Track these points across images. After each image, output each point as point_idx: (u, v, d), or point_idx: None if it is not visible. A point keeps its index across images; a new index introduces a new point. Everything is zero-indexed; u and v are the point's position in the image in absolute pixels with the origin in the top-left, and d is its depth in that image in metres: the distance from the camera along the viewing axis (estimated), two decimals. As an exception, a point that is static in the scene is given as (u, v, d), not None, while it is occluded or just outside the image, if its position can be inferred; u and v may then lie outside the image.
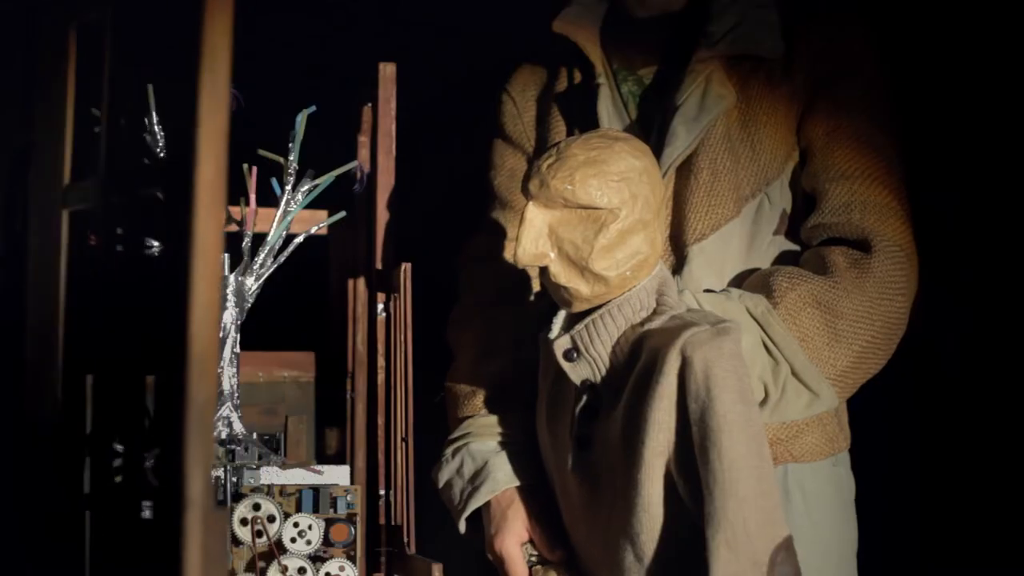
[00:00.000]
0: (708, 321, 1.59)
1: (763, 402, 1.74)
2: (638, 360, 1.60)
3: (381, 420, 2.02)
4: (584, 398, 1.67)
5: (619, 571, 1.61)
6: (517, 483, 1.81)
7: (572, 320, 1.67)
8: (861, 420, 1.96)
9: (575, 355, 1.66)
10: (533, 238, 1.61)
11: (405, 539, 1.90)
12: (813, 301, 1.76)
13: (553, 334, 1.68)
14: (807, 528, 1.84)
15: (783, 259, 1.88)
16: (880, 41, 1.88)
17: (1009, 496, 2.30)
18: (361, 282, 2.14)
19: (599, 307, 1.64)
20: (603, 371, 1.65)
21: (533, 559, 1.81)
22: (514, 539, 1.80)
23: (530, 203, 1.61)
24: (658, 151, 1.84)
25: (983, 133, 2.35)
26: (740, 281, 1.85)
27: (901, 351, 1.84)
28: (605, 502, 1.64)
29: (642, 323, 1.63)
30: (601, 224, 1.60)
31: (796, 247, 1.88)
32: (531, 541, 1.81)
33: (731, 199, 1.83)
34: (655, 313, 1.63)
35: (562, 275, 1.62)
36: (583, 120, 1.93)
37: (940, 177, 2.24)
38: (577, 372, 1.66)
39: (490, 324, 1.95)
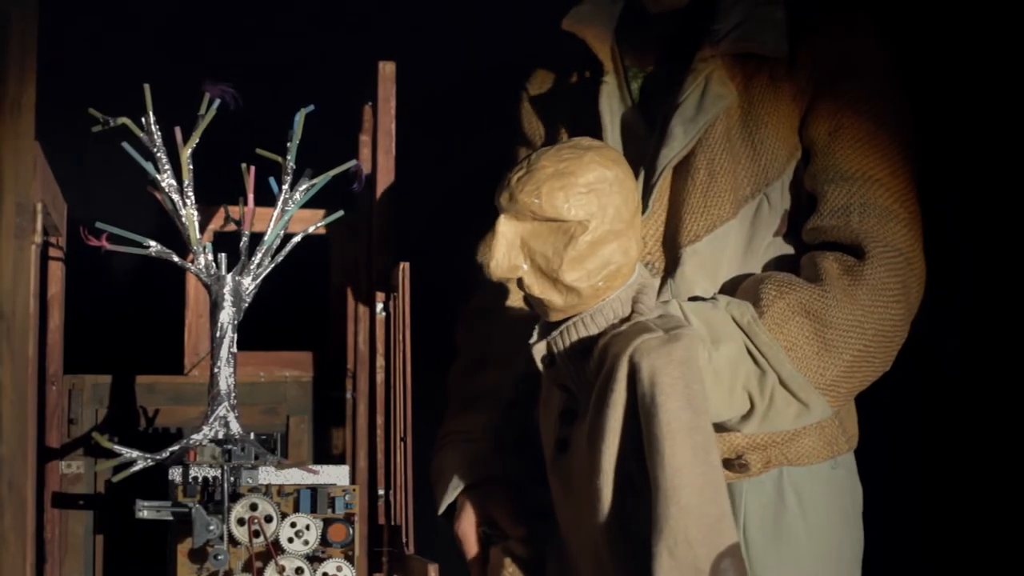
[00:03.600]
0: (664, 327, 1.58)
1: (750, 412, 1.73)
2: (603, 366, 1.60)
3: (381, 420, 2.02)
4: (562, 402, 1.67)
5: (587, 574, 1.61)
6: (469, 481, 1.87)
7: (549, 326, 1.67)
8: (859, 422, 1.95)
9: (551, 360, 1.66)
10: (505, 251, 1.61)
11: (404, 539, 1.90)
12: (801, 310, 1.73)
13: (533, 339, 1.68)
14: (802, 533, 1.83)
15: (781, 262, 1.85)
16: (890, 40, 1.85)
17: (1010, 498, 2.29)
18: (361, 282, 2.14)
19: (575, 314, 1.64)
20: (577, 376, 1.65)
21: (493, 538, 1.84)
22: (468, 521, 1.86)
23: (501, 216, 1.62)
24: (658, 151, 1.83)
25: (983, 133, 2.34)
26: (735, 285, 1.82)
27: (900, 352, 1.82)
28: (575, 505, 1.64)
29: (612, 328, 1.62)
30: (570, 236, 1.59)
31: (798, 249, 1.86)
32: (492, 523, 1.85)
33: (728, 200, 1.81)
34: (626, 320, 1.62)
35: (535, 286, 1.62)
36: (589, 119, 1.92)
37: (939, 178, 2.23)
38: (554, 377, 1.67)
39: (489, 329, 1.95)
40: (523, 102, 2.05)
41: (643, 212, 1.84)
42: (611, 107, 1.91)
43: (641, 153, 1.86)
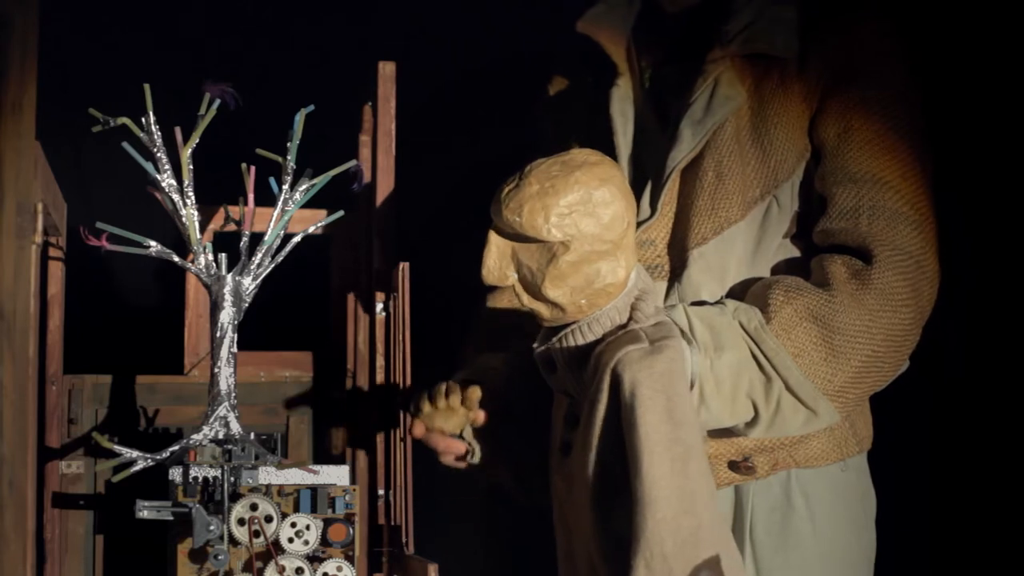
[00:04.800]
0: (653, 337, 1.58)
1: (755, 420, 1.72)
2: (596, 374, 1.60)
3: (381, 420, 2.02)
4: (567, 407, 1.67)
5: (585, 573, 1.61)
6: (469, 371, 1.89)
7: (551, 332, 1.67)
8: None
9: (552, 366, 1.66)
10: (496, 259, 1.63)
11: (404, 539, 1.90)
12: (809, 316, 1.72)
13: (536, 345, 1.68)
14: (808, 534, 1.82)
15: (791, 265, 1.84)
16: (902, 40, 1.82)
17: (1016, 499, 2.28)
18: (361, 282, 2.14)
19: (574, 321, 1.64)
20: (576, 383, 1.65)
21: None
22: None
23: (493, 225, 1.63)
24: (667, 153, 1.82)
25: (984, 133, 2.34)
26: (743, 288, 1.81)
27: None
28: (575, 507, 1.64)
29: (609, 335, 1.62)
30: (552, 254, 1.60)
31: (809, 251, 1.83)
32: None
33: (737, 202, 1.80)
34: (623, 327, 1.62)
35: (524, 297, 1.64)
36: (602, 122, 1.90)
37: (949, 178, 2.22)
38: (555, 382, 1.67)
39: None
40: (538, 109, 2.05)
41: (652, 215, 1.83)
42: (623, 109, 1.89)
43: (655, 155, 1.86)
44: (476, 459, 1.86)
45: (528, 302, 1.64)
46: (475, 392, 1.81)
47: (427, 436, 1.84)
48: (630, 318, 1.62)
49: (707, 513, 1.52)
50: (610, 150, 1.82)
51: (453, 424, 1.84)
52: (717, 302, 1.78)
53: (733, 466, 1.81)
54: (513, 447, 1.87)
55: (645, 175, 1.86)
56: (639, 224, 1.82)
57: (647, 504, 1.50)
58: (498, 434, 1.86)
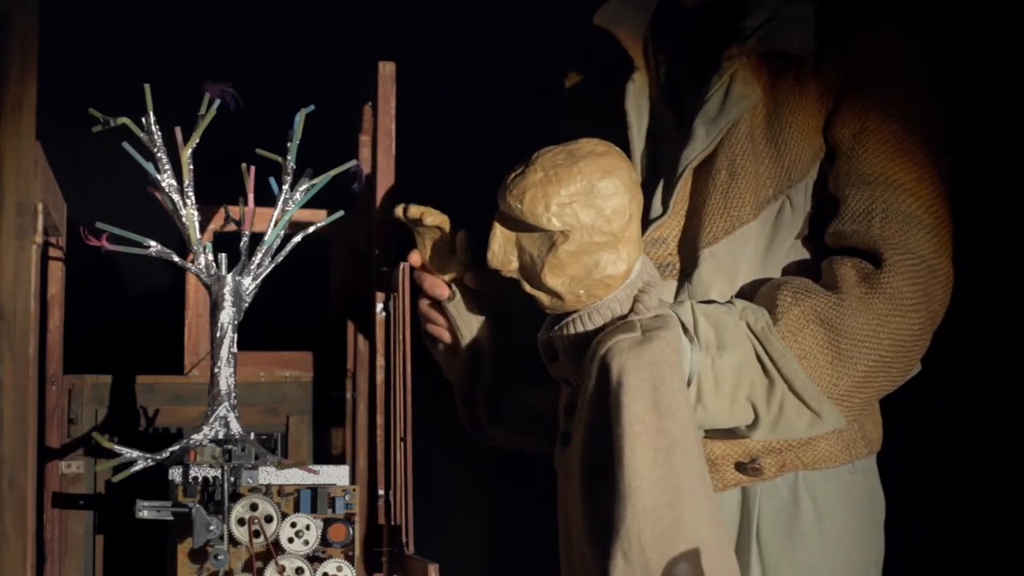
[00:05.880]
0: (647, 328, 1.58)
1: (755, 422, 1.71)
2: (592, 364, 1.61)
3: (380, 420, 2.02)
4: (567, 396, 1.68)
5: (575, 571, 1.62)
6: None
7: (553, 321, 1.68)
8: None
9: (554, 355, 1.66)
10: (501, 244, 1.65)
11: (404, 539, 1.90)
12: (816, 318, 1.70)
13: (541, 333, 1.69)
14: (815, 537, 1.81)
15: (802, 266, 1.82)
16: (922, 41, 1.81)
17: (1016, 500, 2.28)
18: (361, 282, 2.14)
19: (575, 310, 1.64)
20: (575, 372, 1.65)
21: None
22: None
23: (499, 211, 1.64)
24: (681, 150, 1.82)
25: (990, 133, 2.33)
26: (754, 288, 1.80)
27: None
28: (574, 496, 1.65)
29: (608, 325, 1.63)
30: (552, 243, 1.60)
31: (820, 253, 1.82)
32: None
33: (749, 202, 1.78)
34: (623, 318, 1.62)
35: (526, 284, 1.65)
36: (617, 116, 1.90)
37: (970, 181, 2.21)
38: (557, 371, 1.67)
39: None
40: (558, 103, 2.05)
41: (664, 212, 1.83)
42: (638, 104, 1.88)
43: (669, 152, 1.85)
44: (455, 303, 1.88)
45: (529, 290, 1.65)
46: (463, 232, 1.84)
47: (418, 272, 1.89)
48: (631, 309, 1.63)
49: (690, 508, 1.51)
50: (624, 145, 1.81)
51: (447, 267, 1.87)
52: (726, 301, 1.77)
53: (740, 467, 1.80)
54: (486, 347, 1.89)
55: (658, 172, 1.85)
56: (651, 222, 1.82)
57: (628, 494, 1.50)
58: (482, 328, 1.89)
